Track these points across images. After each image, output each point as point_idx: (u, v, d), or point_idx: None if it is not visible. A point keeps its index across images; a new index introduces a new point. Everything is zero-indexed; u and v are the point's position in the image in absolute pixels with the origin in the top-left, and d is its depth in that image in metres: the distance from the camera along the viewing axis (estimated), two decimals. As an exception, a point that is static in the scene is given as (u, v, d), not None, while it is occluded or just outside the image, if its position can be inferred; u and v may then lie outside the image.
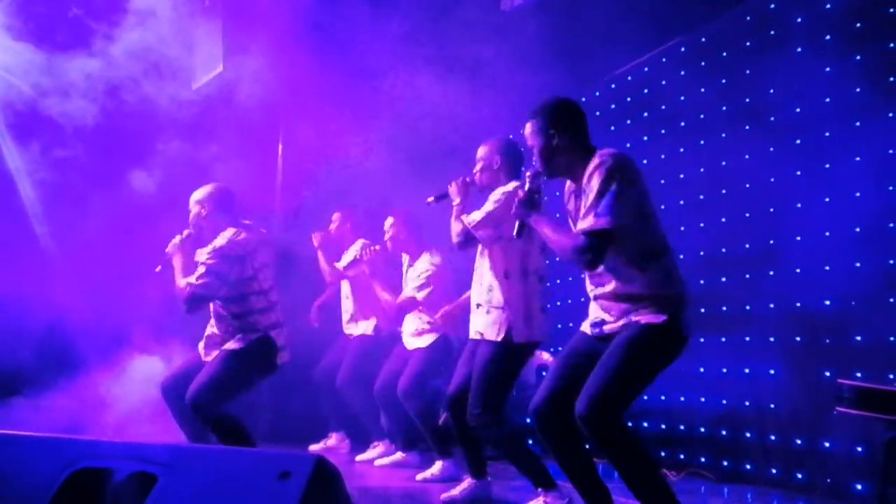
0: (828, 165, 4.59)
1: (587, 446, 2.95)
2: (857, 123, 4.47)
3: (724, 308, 5.18)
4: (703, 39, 5.68)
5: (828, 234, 4.53)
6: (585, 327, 3.01)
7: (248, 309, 4.00)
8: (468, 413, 3.72)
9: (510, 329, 3.73)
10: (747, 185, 5.12)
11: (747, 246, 5.08)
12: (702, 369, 5.22)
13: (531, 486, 3.77)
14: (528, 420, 2.99)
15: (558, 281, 6.31)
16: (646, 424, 5.61)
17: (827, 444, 4.35)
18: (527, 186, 2.94)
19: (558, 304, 6.31)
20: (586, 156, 2.88)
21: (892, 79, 4.36)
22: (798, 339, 4.65)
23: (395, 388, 4.97)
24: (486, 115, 5.62)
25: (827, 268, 4.48)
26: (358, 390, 5.45)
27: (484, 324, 3.80)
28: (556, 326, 6.90)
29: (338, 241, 5.88)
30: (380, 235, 5.45)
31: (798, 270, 4.68)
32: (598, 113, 6.04)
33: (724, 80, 5.43)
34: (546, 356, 6.36)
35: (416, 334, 5.16)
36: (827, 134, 4.63)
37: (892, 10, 4.42)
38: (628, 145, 5.61)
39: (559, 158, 2.93)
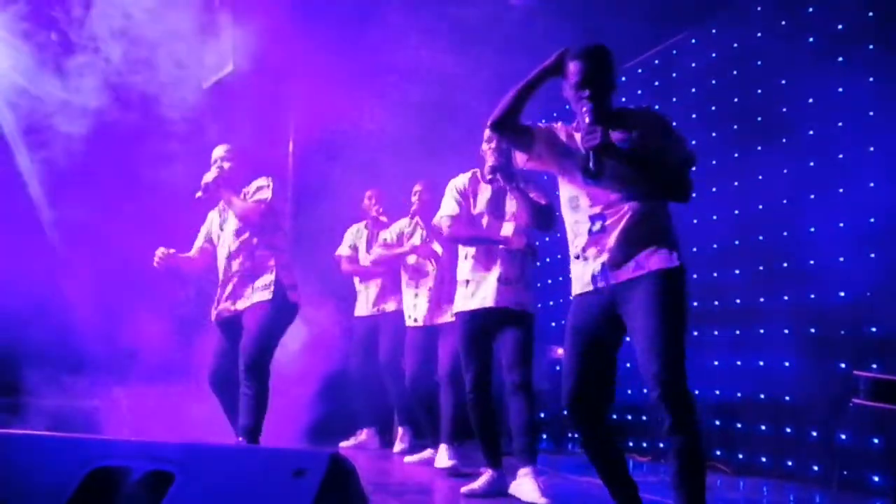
0: (841, 156, 4.57)
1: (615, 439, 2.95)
2: (871, 113, 4.44)
3: (738, 300, 5.17)
4: (714, 31, 5.66)
5: (842, 225, 4.50)
6: (581, 287, 2.90)
7: (270, 242, 4.34)
8: (518, 380, 3.87)
9: (534, 301, 4.06)
10: (760, 177, 5.10)
11: (761, 238, 5.06)
12: (716, 362, 5.21)
13: (543, 473, 3.83)
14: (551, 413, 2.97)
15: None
16: (660, 418, 5.59)
17: (843, 437, 4.33)
18: (591, 123, 2.79)
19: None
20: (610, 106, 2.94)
21: (905, 68, 4.33)
22: (813, 330, 4.63)
23: (430, 378, 5.02)
24: (501, 79, 5.61)
25: (841, 259, 4.46)
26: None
27: (527, 297, 4.01)
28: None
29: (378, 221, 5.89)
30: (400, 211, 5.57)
31: (812, 262, 4.66)
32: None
33: (735, 72, 5.41)
34: (561, 351, 6.36)
35: (438, 304, 5.07)
36: (840, 124, 4.60)
37: (904, -2, 4.39)
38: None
39: (608, 100, 2.91)
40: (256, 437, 4.12)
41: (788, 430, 4.73)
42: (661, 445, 5.26)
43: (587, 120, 2.80)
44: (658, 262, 2.76)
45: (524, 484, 3.78)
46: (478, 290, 4.00)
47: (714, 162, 5.48)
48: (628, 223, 2.79)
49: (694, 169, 2.85)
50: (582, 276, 2.89)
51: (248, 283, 4.29)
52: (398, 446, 5.70)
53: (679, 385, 2.69)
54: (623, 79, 6.32)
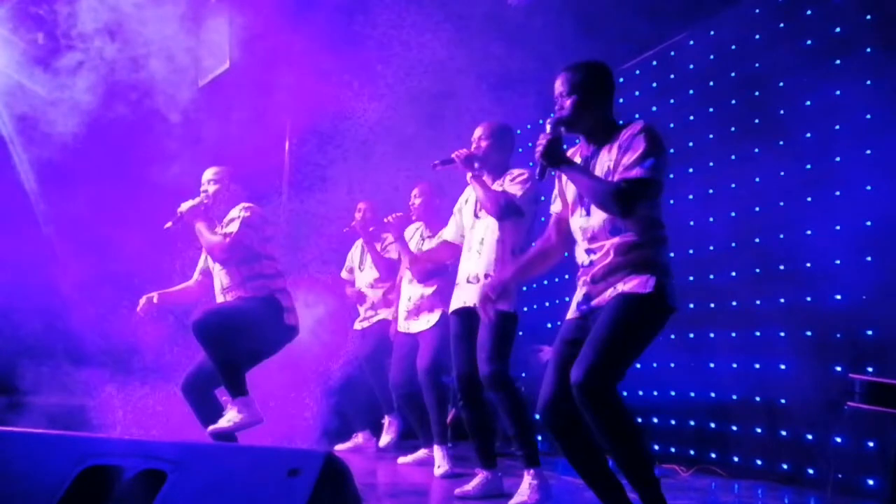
0: (838, 159, 4.56)
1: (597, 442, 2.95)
2: (868, 116, 4.45)
3: (734, 303, 5.17)
4: (712, 33, 5.66)
5: (838, 227, 4.50)
6: (571, 313, 3.04)
7: (259, 272, 4.41)
8: (488, 372, 3.81)
9: (512, 301, 3.90)
10: (757, 180, 5.10)
11: (757, 240, 5.06)
12: (712, 364, 5.20)
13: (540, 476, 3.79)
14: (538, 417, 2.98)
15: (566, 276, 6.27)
16: (656, 420, 5.60)
17: (838, 440, 4.33)
18: (549, 133, 2.90)
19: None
20: (608, 122, 3.01)
21: (903, 71, 4.33)
22: (809, 333, 4.62)
23: (412, 379, 4.98)
24: (498, 71, 5.62)
25: (837, 262, 4.46)
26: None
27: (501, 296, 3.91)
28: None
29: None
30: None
31: (809, 265, 4.66)
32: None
33: (733, 74, 5.41)
34: (549, 350, 6.35)
35: (416, 313, 5.08)
36: (837, 127, 4.60)
37: (903, 1, 4.39)
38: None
39: (588, 117, 2.99)
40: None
41: (784, 432, 4.73)
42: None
43: (547, 129, 2.91)
44: (632, 286, 2.83)
45: (521, 486, 3.79)
46: (459, 291, 4.08)
47: (711, 164, 5.48)
48: (611, 260, 2.88)
49: (635, 189, 2.78)
50: (574, 301, 3.04)
51: None
52: (384, 439, 5.66)
53: (594, 392, 2.67)
54: (621, 80, 6.32)
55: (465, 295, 4.02)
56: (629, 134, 2.87)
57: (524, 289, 4.10)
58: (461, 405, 4.09)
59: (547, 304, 6.63)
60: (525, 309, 4.08)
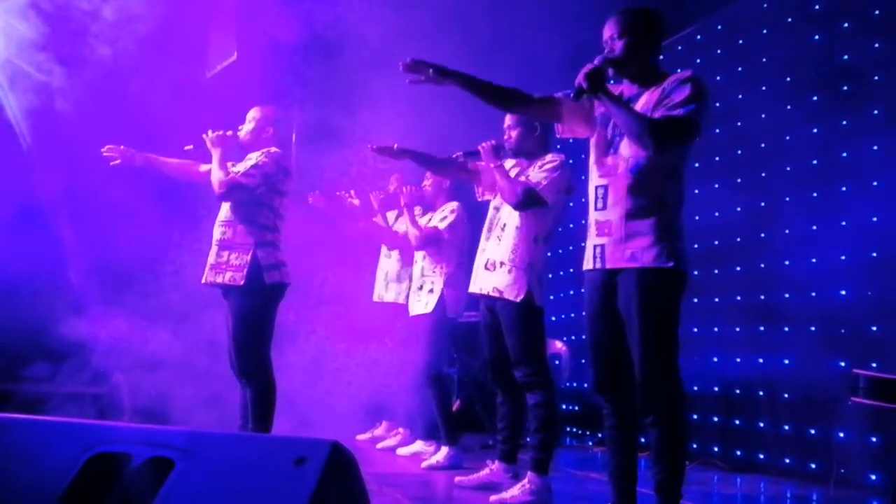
0: (844, 154, 4.56)
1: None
2: (875, 112, 4.44)
3: (739, 297, 5.18)
4: (720, 27, 5.65)
5: (844, 223, 4.50)
6: (586, 262, 2.95)
7: (253, 218, 4.10)
8: (521, 375, 3.79)
9: (530, 291, 3.78)
10: (763, 175, 5.10)
11: (762, 235, 5.06)
12: (715, 358, 5.21)
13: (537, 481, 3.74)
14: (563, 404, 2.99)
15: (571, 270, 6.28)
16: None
17: (841, 435, 4.34)
18: (599, 61, 2.83)
19: (571, 292, 6.29)
20: (655, 68, 2.97)
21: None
22: (813, 328, 4.63)
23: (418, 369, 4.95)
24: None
25: (843, 257, 4.46)
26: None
27: (504, 282, 3.81)
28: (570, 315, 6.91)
29: (394, 203, 5.58)
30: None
31: (814, 260, 4.66)
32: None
33: (740, 68, 5.40)
34: (559, 345, 6.37)
35: (417, 292, 5.06)
36: (844, 123, 4.60)
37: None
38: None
39: (636, 61, 2.94)
40: None
41: (787, 427, 4.74)
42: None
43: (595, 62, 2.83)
44: (651, 258, 2.76)
45: (516, 485, 3.76)
46: (476, 276, 3.96)
47: (717, 158, 5.48)
48: (626, 204, 2.81)
49: (684, 133, 2.77)
50: (588, 250, 2.95)
51: (224, 252, 4.09)
52: (391, 441, 5.51)
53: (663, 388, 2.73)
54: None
55: (482, 281, 3.89)
56: (676, 79, 2.84)
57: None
58: (500, 402, 4.07)
59: (551, 297, 6.64)
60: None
